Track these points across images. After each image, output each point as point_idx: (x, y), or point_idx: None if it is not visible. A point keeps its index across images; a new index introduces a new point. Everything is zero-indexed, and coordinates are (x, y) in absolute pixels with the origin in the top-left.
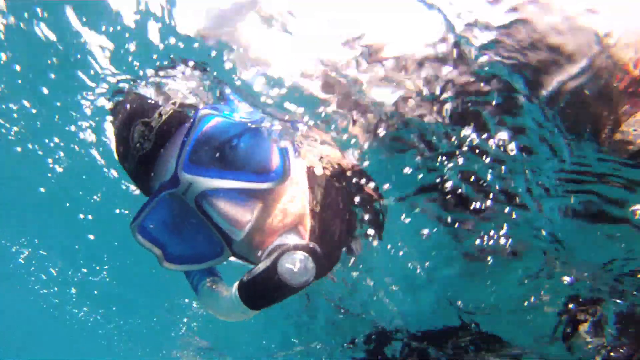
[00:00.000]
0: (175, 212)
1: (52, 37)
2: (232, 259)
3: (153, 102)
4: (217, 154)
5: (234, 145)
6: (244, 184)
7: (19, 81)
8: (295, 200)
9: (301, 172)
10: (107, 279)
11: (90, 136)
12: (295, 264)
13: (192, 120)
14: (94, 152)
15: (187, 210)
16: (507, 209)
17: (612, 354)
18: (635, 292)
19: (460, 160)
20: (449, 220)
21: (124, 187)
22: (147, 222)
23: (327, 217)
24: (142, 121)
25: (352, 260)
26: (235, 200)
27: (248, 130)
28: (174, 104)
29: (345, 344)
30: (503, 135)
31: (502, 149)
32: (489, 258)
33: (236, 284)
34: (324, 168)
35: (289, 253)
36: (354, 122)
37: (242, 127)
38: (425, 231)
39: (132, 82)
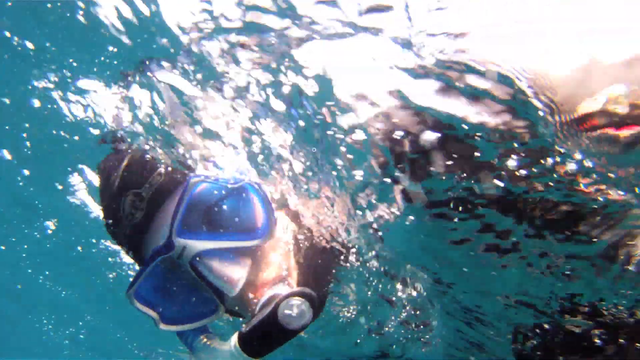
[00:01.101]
0: (169, 276)
1: None
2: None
3: (141, 169)
4: (207, 218)
5: (222, 207)
6: (234, 243)
7: None
8: (281, 254)
9: (284, 227)
10: None
11: None
12: (294, 309)
13: (183, 188)
14: None
15: (180, 273)
16: None
17: None
18: None
19: None
20: None
21: None
22: (142, 288)
23: (312, 266)
24: (133, 192)
25: None
26: (227, 259)
27: (235, 193)
28: (159, 174)
29: None
30: None
31: None
32: None
33: (235, 336)
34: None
35: (287, 300)
36: None
37: (228, 190)
38: None
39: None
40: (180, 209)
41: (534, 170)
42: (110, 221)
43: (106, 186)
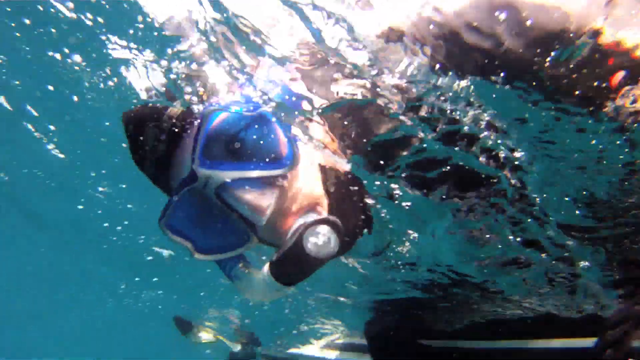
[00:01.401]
0: (199, 205)
1: None
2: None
3: (158, 105)
4: (229, 147)
5: (244, 136)
6: (258, 172)
7: None
8: (309, 182)
9: (311, 155)
10: None
11: None
12: (319, 237)
13: (200, 118)
14: None
15: (209, 203)
16: None
17: None
18: None
19: None
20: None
21: None
22: (173, 218)
23: (342, 194)
24: (154, 124)
25: None
26: (253, 188)
27: (255, 121)
28: (176, 107)
29: None
30: None
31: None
32: None
33: (267, 265)
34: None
35: (312, 228)
36: None
37: (249, 119)
38: None
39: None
40: (200, 140)
41: None
42: (137, 158)
43: (128, 125)
